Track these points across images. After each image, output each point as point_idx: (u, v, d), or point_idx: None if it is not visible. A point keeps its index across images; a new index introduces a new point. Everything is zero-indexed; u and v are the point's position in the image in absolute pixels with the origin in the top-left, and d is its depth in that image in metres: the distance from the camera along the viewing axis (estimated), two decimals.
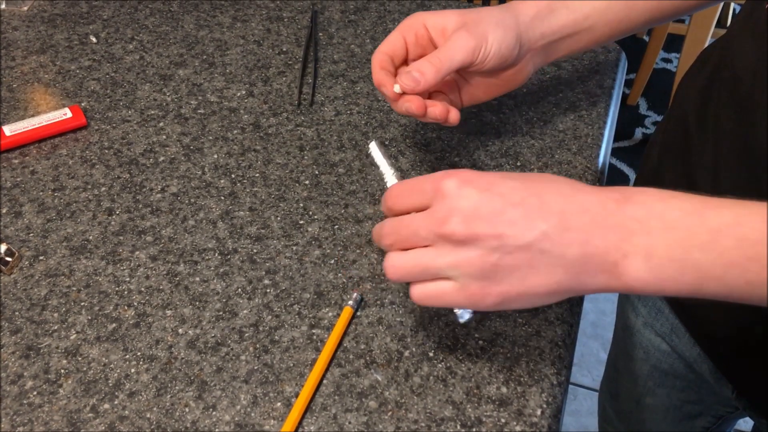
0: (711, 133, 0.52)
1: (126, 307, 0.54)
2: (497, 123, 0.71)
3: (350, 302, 0.54)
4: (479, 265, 0.38)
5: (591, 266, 0.38)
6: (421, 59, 0.51)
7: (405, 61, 0.55)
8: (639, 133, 2.15)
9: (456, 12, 0.53)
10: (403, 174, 0.65)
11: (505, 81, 0.56)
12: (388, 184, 0.49)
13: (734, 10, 2.31)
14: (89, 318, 0.53)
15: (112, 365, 0.50)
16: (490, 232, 0.38)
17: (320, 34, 0.81)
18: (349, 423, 0.48)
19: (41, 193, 0.62)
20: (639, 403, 0.78)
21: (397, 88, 0.52)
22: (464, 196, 0.39)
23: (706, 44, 1.84)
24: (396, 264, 0.41)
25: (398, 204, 0.43)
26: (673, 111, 0.63)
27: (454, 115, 0.53)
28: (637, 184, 0.67)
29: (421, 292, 0.42)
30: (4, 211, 0.60)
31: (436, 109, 0.52)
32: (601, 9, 0.56)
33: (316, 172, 0.65)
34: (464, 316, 0.44)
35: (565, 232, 0.38)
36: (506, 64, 0.54)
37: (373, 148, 0.51)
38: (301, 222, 0.61)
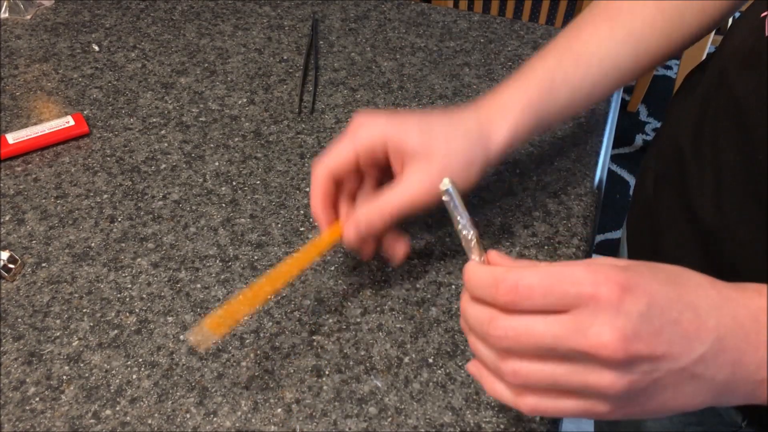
0: (709, 163, 0.51)
1: (127, 314, 0.54)
2: None
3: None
4: (626, 390, 0.33)
5: (737, 386, 0.35)
6: (372, 206, 0.48)
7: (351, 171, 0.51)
8: (639, 139, 2.15)
9: (419, 130, 0.48)
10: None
11: None
12: (469, 245, 0.40)
13: (733, 16, 2.31)
14: (91, 324, 0.54)
15: (113, 371, 0.51)
16: (647, 354, 0.33)
17: (321, 42, 0.82)
18: (349, 429, 0.48)
19: (44, 201, 0.62)
20: (639, 428, 0.77)
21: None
22: (624, 311, 0.32)
23: (706, 50, 1.84)
24: (521, 372, 0.35)
25: (524, 304, 0.34)
26: (664, 136, 0.61)
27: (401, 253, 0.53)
28: (632, 213, 0.66)
29: (537, 406, 0.36)
30: (6, 218, 0.61)
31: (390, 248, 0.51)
32: (607, 73, 0.53)
33: None
34: None
35: (721, 353, 0.34)
36: None
37: (452, 192, 0.40)
38: (302, 229, 0.61)
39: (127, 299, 0.55)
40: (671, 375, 0.34)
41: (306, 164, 0.67)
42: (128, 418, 0.48)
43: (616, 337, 0.32)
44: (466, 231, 0.40)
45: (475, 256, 0.40)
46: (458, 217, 0.40)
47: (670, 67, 2.42)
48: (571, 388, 0.34)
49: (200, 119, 0.71)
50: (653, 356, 0.33)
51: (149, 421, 0.48)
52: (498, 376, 0.37)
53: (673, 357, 0.33)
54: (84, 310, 0.54)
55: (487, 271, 0.36)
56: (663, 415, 0.36)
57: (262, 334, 0.53)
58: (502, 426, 0.49)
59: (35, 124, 0.69)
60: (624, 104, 2.24)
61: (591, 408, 0.35)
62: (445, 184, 0.39)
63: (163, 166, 0.66)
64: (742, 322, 0.35)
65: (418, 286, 0.57)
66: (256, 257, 0.59)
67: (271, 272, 0.48)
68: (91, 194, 0.63)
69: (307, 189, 0.64)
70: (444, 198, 0.40)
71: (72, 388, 0.50)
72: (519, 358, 0.35)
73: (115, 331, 0.53)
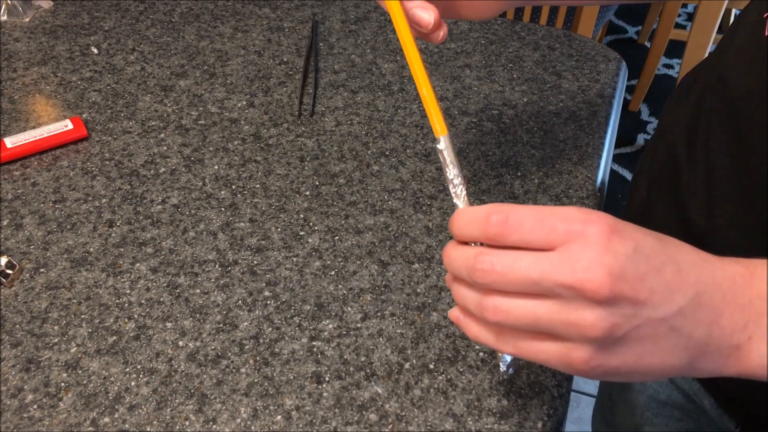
0: (702, 166, 0.51)
1: (126, 320, 0.54)
2: (497, 133, 0.71)
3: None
4: (607, 332, 0.33)
5: (711, 349, 0.35)
6: None
7: None
8: (641, 139, 2.15)
9: None
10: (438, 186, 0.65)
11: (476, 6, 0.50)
12: (458, 198, 0.41)
13: (735, 16, 2.31)
14: (89, 331, 0.53)
15: (112, 378, 0.50)
16: (631, 297, 0.33)
17: (321, 44, 0.82)
18: None
19: (42, 205, 0.62)
20: (638, 429, 0.77)
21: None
22: (612, 250, 0.33)
23: (708, 50, 1.84)
24: (502, 307, 0.35)
25: (513, 236, 0.34)
26: (658, 140, 0.62)
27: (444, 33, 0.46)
28: (626, 215, 0.66)
29: (516, 347, 0.36)
30: (5, 223, 0.61)
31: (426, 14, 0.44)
32: None
33: (317, 183, 0.65)
34: (503, 366, 0.44)
35: (699, 309, 0.34)
36: None
37: (445, 145, 0.41)
38: (302, 233, 0.61)
39: (126, 305, 0.55)
40: (651, 324, 0.33)
41: (306, 167, 0.66)
42: (127, 425, 0.48)
43: (603, 273, 0.32)
44: (458, 180, 0.40)
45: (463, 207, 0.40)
46: (451, 168, 0.41)
47: (671, 66, 2.41)
48: (553, 328, 0.34)
49: (199, 122, 0.71)
50: (636, 300, 0.33)
51: (148, 429, 0.48)
52: (480, 318, 0.36)
53: (654, 305, 0.33)
54: (82, 316, 0.54)
55: (478, 208, 0.36)
56: (638, 377, 0.36)
57: (261, 340, 0.53)
58: None
59: (34, 127, 0.69)
60: (625, 104, 2.23)
61: (568, 352, 0.34)
62: (443, 139, 0.41)
63: (162, 169, 0.66)
64: (720, 282, 0.35)
65: (418, 290, 0.57)
66: (255, 262, 0.58)
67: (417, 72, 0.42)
68: (90, 198, 0.63)
69: (307, 193, 0.64)
70: (439, 146, 0.41)
71: (70, 395, 0.49)
72: (502, 295, 0.35)
73: (114, 338, 0.53)
